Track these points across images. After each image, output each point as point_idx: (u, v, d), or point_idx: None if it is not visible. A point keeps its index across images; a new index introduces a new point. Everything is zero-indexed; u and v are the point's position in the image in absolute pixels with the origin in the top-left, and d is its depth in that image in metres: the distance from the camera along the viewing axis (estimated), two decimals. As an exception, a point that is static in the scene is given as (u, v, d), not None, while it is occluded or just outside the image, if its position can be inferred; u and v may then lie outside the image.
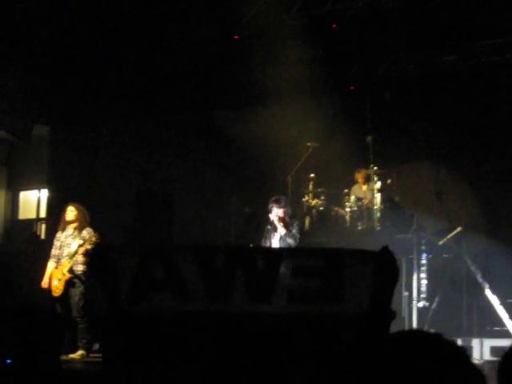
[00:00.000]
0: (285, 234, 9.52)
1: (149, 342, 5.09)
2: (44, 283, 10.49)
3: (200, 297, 5.16)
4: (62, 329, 9.38)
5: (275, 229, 9.69)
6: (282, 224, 9.57)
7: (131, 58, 13.79)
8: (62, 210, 10.89)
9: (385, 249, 5.11)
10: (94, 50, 13.57)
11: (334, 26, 13.24)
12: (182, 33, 13.18)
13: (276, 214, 9.62)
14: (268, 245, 9.51)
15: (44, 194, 16.19)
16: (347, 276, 4.99)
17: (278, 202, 9.70)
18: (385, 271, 4.98)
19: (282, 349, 4.82)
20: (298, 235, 9.55)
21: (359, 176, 13.25)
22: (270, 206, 9.72)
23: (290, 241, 9.44)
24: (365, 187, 13.10)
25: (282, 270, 5.08)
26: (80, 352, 10.05)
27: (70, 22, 13.02)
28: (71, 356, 9.95)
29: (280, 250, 7.29)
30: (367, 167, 12.76)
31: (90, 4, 12.75)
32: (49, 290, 10.48)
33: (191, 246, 5.60)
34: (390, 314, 5.06)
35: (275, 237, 9.66)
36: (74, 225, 10.61)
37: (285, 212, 9.63)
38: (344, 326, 4.97)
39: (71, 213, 10.62)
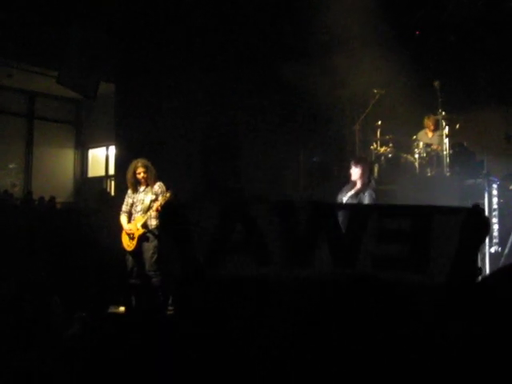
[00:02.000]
0: (353, 195, 9.40)
1: (225, 306, 5.05)
2: (125, 236, 10.56)
3: (281, 259, 5.05)
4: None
5: (350, 187, 9.62)
6: (355, 185, 9.54)
7: (194, 12, 13.75)
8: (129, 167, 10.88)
9: (476, 206, 5.00)
10: (157, 5, 13.60)
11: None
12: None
13: (351, 172, 9.63)
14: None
15: (112, 151, 16.36)
16: (435, 240, 4.86)
17: (355, 162, 9.71)
18: (475, 230, 4.88)
19: (362, 317, 4.76)
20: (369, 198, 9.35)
21: (429, 122, 13.11)
22: (351, 163, 9.72)
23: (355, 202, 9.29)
24: (431, 133, 12.98)
25: (369, 229, 4.96)
26: (155, 305, 10.11)
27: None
28: None
29: (367, 207, 7.01)
30: (435, 113, 12.62)
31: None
32: (121, 245, 10.55)
33: (273, 202, 5.43)
34: (477, 272, 4.99)
35: (346, 195, 9.53)
36: (145, 181, 10.64)
37: (360, 173, 9.56)
38: (426, 298, 4.87)
39: (141, 171, 10.59)
